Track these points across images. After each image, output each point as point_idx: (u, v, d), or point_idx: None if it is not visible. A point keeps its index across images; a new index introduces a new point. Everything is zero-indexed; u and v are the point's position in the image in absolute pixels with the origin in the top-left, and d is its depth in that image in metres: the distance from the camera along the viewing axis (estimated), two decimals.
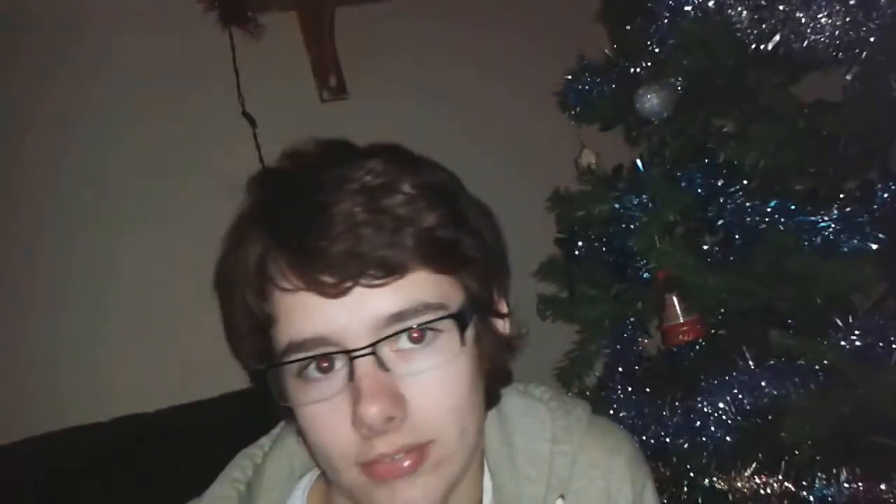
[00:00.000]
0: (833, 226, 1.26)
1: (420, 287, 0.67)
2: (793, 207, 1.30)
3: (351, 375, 0.65)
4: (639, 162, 1.50)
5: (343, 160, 0.70)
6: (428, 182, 0.70)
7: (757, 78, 1.38)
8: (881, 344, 1.15)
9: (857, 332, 1.17)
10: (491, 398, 0.77)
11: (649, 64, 1.49)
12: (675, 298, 1.43)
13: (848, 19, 1.18)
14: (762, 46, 1.28)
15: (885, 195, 1.24)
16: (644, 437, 1.38)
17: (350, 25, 1.90)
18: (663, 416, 1.36)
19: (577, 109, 1.64)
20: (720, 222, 1.38)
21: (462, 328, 0.68)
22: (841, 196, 1.29)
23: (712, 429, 1.28)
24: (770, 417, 1.26)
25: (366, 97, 1.90)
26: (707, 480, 1.27)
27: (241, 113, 1.75)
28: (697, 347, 1.49)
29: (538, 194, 1.67)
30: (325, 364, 0.67)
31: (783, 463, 1.20)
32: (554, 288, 1.69)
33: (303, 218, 0.66)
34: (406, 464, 0.66)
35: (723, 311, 1.46)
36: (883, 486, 1.11)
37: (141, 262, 1.65)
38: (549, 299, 1.66)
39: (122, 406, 1.36)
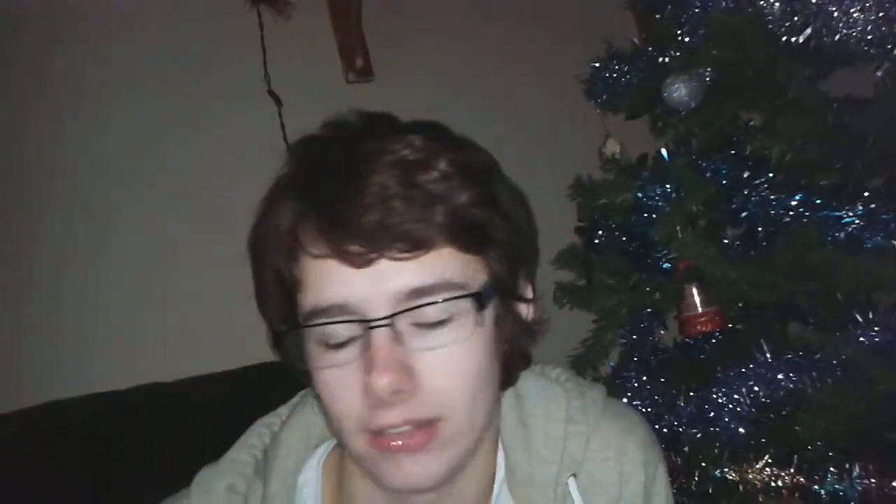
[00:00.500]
0: (857, 222, 1.26)
1: (444, 264, 0.67)
2: (818, 202, 1.30)
3: (367, 345, 0.66)
4: (664, 151, 1.49)
5: (384, 133, 0.71)
6: (464, 161, 0.70)
7: (786, 71, 1.37)
8: None
9: (877, 329, 1.16)
10: (508, 380, 0.77)
11: (678, 53, 1.48)
12: (694, 289, 1.42)
13: (881, 14, 1.17)
14: (793, 39, 1.27)
15: None
16: (657, 426, 1.38)
17: (378, 8, 1.90)
18: (677, 405, 1.36)
19: (604, 97, 1.63)
20: (744, 214, 1.37)
21: (480, 308, 0.69)
22: (866, 193, 1.28)
23: (726, 420, 1.28)
24: (785, 411, 1.26)
25: (390, 80, 1.90)
26: (719, 471, 1.27)
27: (266, 91, 1.77)
28: (714, 339, 1.49)
29: (560, 182, 1.67)
30: (344, 331, 0.68)
31: (795, 456, 1.20)
32: (572, 276, 1.69)
33: (337, 186, 0.67)
34: (414, 440, 0.67)
35: (742, 303, 1.45)
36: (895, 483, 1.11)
37: (174, 239, 1.69)
38: (567, 287, 1.65)
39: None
